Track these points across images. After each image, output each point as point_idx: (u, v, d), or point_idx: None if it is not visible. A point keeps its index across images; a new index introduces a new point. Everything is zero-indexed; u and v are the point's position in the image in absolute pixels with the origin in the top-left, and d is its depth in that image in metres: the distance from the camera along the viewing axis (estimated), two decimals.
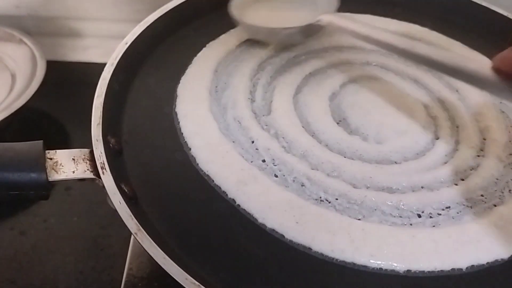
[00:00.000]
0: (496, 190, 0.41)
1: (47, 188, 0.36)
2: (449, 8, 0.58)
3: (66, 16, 0.75)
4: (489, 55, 0.35)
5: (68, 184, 0.61)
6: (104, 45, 0.73)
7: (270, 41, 0.51)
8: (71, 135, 0.68)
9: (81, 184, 0.60)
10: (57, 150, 0.37)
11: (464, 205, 0.39)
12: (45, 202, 0.59)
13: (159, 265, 0.33)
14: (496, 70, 0.33)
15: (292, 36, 0.50)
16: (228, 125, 0.43)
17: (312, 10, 0.50)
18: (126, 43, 0.46)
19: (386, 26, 0.54)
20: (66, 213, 0.59)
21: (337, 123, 0.44)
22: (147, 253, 0.33)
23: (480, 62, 0.35)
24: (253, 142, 0.42)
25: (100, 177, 0.36)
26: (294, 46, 0.51)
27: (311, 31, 0.50)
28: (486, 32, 0.55)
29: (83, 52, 0.75)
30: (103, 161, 0.37)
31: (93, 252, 0.56)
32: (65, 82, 0.72)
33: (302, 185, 0.39)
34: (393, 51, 0.43)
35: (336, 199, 0.39)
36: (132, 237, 0.47)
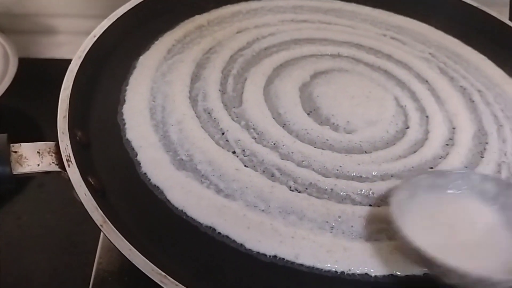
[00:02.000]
0: None
1: (11, 181, 0.35)
2: None
3: (39, 13, 0.74)
4: None
5: (40, 181, 0.60)
6: (76, 41, 0.72)
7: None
8: (43, 131, 0.67)
9: (54, 180, 0.60)
10: (22, 144, 0.37)
11: None
12: (18, 199, 0.59)
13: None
14: None
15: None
16: (199, 117, 0.43)
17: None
18: (95, 36, 0.46)
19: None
20: (39, 210, 0.59)
21: (308, 114, 0.44)
22: (113, 245, 0.33)
23: None
24: (223, 133, 0.42)
25: (65, 170, 0.36)
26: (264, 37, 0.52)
27: None
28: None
29: (55, 48, 0.74)
30: (68, 153, 0.36)
31: (66, 249, 0.56)
32: (38, 79, 0.70)
33: (272, 175, 0.39)
34: None
35: (306, 188, 0.39)
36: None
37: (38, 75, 0.70)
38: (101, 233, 0.47)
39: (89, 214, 0.35)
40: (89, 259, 0.54)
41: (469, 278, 0.31)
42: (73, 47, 0.72)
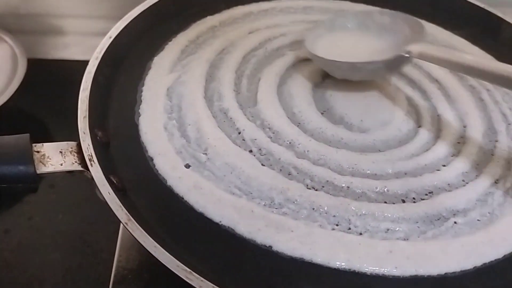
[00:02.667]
0: (477, 175, 0.42)
1: (35, 181, 0.36)
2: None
3: (46, 14, 0.75)
4: None
5: (52, 181, 0.60)
6: (85, 42, 0.73)
7: (352, 77, 0.47)
8: (53, 133, 0.67)
9: (65, 181, 0.60)
10: (44, 143, 0.37)
11: (446, 190, 0.40)
12: (30, 199, 0.59)
13: (149, 256, 0.33)
14: None
15: (377, 72, 0.47)
16: (215, 117, 0.44)
17: (397, 40, 0.47)
18: (110, 37, 0.46)
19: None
20: (51, 210, 0.59)
21: (322, 113, 0.45)
22: (138, 242, 0.33)
23: None
24: (239, 133, 0.42)
25: (88, 169, 0.36)
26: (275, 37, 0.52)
27: (398, 64, 0.46)
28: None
29: (64, 49, 0.74)
30: (91, 153, 0.37)
31: (79, 248, 0.56)
32: (47, 80, 0.71)
33: (289, 174, 0.40)
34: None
35: (323, 186, 0.39)
36: (121, 230, 0.47)
37: (47, 76, 0.71)
38: (119, 232, 0.48)
39: (108, 213, 0.35)
40: (102, 259, 0.55)
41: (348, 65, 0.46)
42: (82, 48, 0.74)
